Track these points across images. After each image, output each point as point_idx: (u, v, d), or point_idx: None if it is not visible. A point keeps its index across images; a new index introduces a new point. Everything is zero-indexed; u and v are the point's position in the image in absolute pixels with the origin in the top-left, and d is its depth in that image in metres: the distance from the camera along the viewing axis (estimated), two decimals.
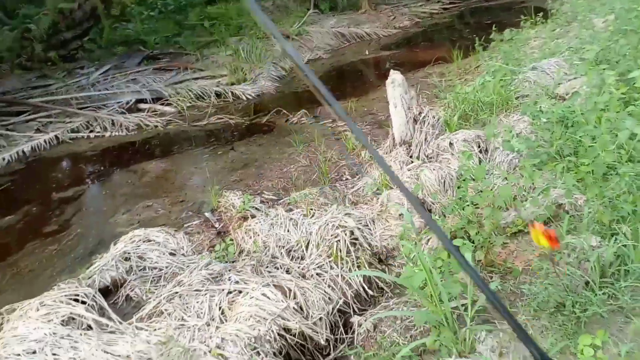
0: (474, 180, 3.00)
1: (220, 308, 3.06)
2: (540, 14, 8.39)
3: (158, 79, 9.86)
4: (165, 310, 3.04)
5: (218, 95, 9.28)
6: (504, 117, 4.85)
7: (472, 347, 2.20)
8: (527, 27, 7.24)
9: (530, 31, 8.30)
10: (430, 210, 4.06)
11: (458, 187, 3.44)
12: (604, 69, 3.86)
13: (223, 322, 2.98)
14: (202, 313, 3.06)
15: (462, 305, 2.54)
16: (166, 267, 3.64)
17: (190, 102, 8.93)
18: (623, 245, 2.44)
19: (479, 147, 4.49)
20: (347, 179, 5.45)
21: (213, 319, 3.01)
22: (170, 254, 3.92)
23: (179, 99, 8.86)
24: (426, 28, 13.82)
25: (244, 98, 9.14)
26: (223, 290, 3.20)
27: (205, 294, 3.18)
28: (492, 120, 4.33)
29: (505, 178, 3.53)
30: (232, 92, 9.28)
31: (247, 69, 10.32)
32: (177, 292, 3.20)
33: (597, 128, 3.29)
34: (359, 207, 4.39)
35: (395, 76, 4.92)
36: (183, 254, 4.02)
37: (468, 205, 3.10)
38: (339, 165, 5.85)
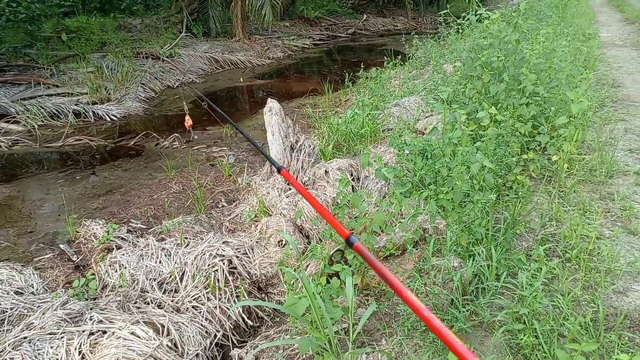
0: (349, 206, 3.13)
1: (80, 352, 2.70)
2: (399, 57, 9.29)
3: (2, 94, 8.67)
4: (12, 359, 2.59)
5: (77, 114, 8.48)
6: (372, 148, 5.20)
7: None
8: (389, 67, 7.95)
9: (391, 72, 9.14)
10: (308, 237, 4.14)
11: (335, 214, 3.56)
12: (455, 109, 4.38)
13: None
14: None
15: (343, 329, 2.60)
16: (11, 309, 3.12)
17: (42, 121, 8.02)
18: (480, 266, 2.74)
19: (352, 175, 4.74)
20: (223, 205, 5.31)
21: None
22: (16, 292, 3.39)
23: (28, 117, 7.88)
24: (298, 61, 14.39)
25: (108, 119, 8.49)
26: (84, 331, 2.84)
27: (62, 337, 2.79)
28: (365, 150, 4.60)
29: (376, 205, 3.76)
30: (93, 112, 8.56)
31: (112, 88, 9.64)
32: (25, 337, 2.75)
33: (452, 160, 3.70)
34: (236, 234, 4.29)
35: (272, 104, 4.99)
36: (32, 293, 3.50)
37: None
38: (214, 192, 5.69)
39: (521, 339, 2.25)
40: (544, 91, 4.44)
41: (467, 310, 2.53)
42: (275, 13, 14.04)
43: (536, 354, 2.23)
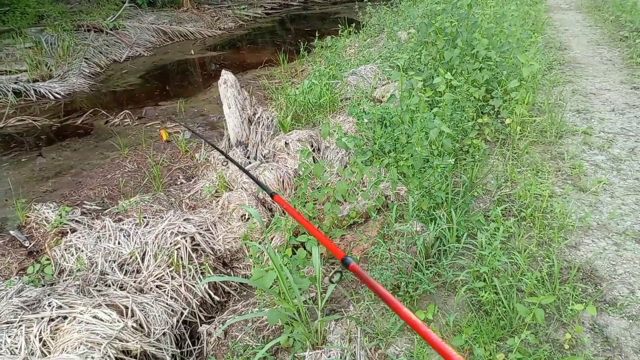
0: (311, 177, 3.12)
1: (41, 339, 2.61)
2: (353, 25, 9.20)
3: None
4: None
5: (17, 93, 7.96)
6: (331, 118, 5.17)
7: (324, 337, 2.29)
8: (344, 36, 7.85)
9: (346, 40, 9.05)
10: (271, 210, 4.11)
11: (297, 186, 3.54)
12: (412, 76, 4.40)
13: (47, 355, 2.54)
14: (17, 349, 2.56)
15: (311, 298, 2.62)
16: None
17: None
18: (441, 229, 2.81)
19: (312, 146, 4.71)
20: (182, 182, 5.18)
21: (33, 354, 2.55)
22: None
23: None
24: (250, 31, 14.00)
25: (52, 97, 8.02)
26: (43, 318, 2.74)
27: (20, 326, 2.68)
28: (325, 120, 4.57)
29: (338, 174, 3.77)
30: (35, 90, 8.06)
31: (53, 64, 9.09)
32: None
33: (410, 127, 3.74)
34: (198, 211, 4.20)
35: (227, 76, 4.85)
36: None
37: (308, 201, 3.22)
38: (172, 169, 5.53)
39: (482, 296, 2.34)
40: (496, 55, 4.53)
41: (430, 272, 2.60)
42: None
43: (497, 310, 2.33)
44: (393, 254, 2.70)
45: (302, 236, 2.76)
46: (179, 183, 5.20)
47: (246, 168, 4.43)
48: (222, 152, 2.50)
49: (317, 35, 7.79)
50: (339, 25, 8.98)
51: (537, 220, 2.96)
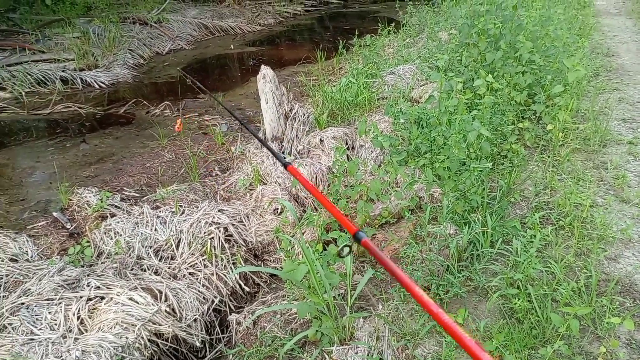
0: (345, 175, 3.13)
1: (79, 317, 2.72)
2: (393, 24, 9.13)
3: None
4: (10, 324, 2.60)
5: (64, 81, 8.27)
6: (368, 117, 5.16)
7: (352, 334, 2.30)
8: (382, 35, 7.81)
9: (385, 39, 9.00)
10: (303, 205, 4.15)
11: (330, 182, 3.56)
12: (452, 77, 4.34)
13: (83, 333, 2.65)
14: (56, 325, 2.69)
15: (340, 294, 2.64)
16: (6, 276, 3.12)
17: (29, 88, 7.82)
18: (475, 233, 2.78)
19: (347, 144, 4.72)
20: (217, 174, 5.29)
21: (71, 330, 2.67)
22: (11, 259, 3.38)
23: (14, 84, 7.68)
24: (289, 28, 14.10)
25: (96, 86, 8.30)
26: (82, 297, 2.85)
27: (60, 303, 2.80)
28: (362, 118, 4.56)
29: (372, 173, 3.76)
30: (81, 79, 8.36)
31: (99, 54, 9.40)
32: (23, 303, 2.76)
33: (448, 129, 3.69)
34: (231, 203, 4.28)
35: (266, 71, 4.91)
36: (27, 260, 3.49)
37: (341, 199, 3.23)
38: (208, 161, 5.65)
39: (515, 304, 2.30)
40: (540, 59, 4.42)
41: (462, 276, 2.57)
42: None
43: (529, 318, 2.29)
44: (425, 255, 2.69)
45: (334, 232, 2.78)
46: (214, 175, 5.31)
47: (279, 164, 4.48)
48: (242, 124, 2.54)
49: (356, 33, 7.76)
50: (379, 24, 8.93)
51: (576, 229, 2.88)
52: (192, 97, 7.98)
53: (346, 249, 1.23)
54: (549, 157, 3.82)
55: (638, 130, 4.27)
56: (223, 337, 3.01)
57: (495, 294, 2.37)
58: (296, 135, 4.82)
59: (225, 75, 9.65)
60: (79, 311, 2.76)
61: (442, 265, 2.64)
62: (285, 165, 1.65)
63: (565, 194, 3.21)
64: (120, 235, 3.74)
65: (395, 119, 4.26)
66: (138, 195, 4.80)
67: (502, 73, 4.48)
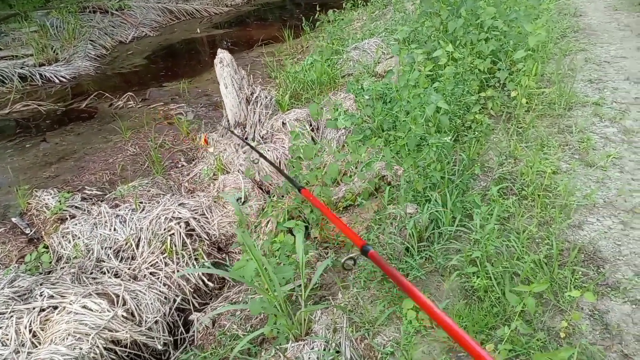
0: (302, 160, 3.02)
1: (31, 330, 2.61)
2: None
3: None
4: None
5: (23, 78, 7.97)
6: (332, 95, 5.02)
7: (309, 327, 2.22)
8: (348, 8, 7.57)
9: (354, 13, 8.77)
10: (268, 192, 4.04)
11: (291, 168, 3.44)
12: (414, 49, 4.20)
13: (36, 347, 2.55)
14: (7, 340, 2.57)
15: (299, 286, 2.55)
16: None
17: None
18: (435, 211, 2.69)
19: (311, 125, 4.59)
20: (182, 165, 5.14)
21: (23, 345, 2.56)
22: None
23: None
24: (259, 7, 13.71)
25: (57, 81, 8.01)
26: (34, 308, 2.74)
27: (11, 317, 2.69)
28: (317, 99, 4.42)
29: (333, 155, 3.65)
30: (41, 75, 8.06)
31: (59, 47, 9.05)
32: None
33: (409, 103, 3.58)
34: (195, 194, 4.16)
35: (222, 55, 4.72)
36: None
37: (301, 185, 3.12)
38: (172, 151, 5.48)
39: (474, 282, 2.23)
40: (503, 25, 4.29)
41: (421, 257, 2.50)
42: None
43: (489, 296, 2.23)
44: (384, 238, 2.60)
45: (290, 222, 2.68)
46: (180, 166, 5.16)
47: (243, 149, 4.35)
48: (248, 144, 2.41)
49: (317, 9, 7.48)
50: None
51: (538, 199, 2.82)
52: (158, 85, 7.75)
53: (350, 262, 1.30)
54: (513, 125, 3.73)
55: (604, 91, 4.19)
56: (187, 337, 2.92)
57: (454, 274, 2.30)
58: (259, 120, 4.67)
59: (193, 61, 9.35)
60: (30, 324, 2.65)
61: (402, 248, 2.56)
62: (299, 189, 1.83)
63: (528, 162, 3.13)
64: (79, 237, 3.61)
65: (357, 97, 4.13)
66: (100, 193, 4.65)
67: (465, 41, 4.35)
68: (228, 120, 4.82)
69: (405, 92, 3.64)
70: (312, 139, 4.41)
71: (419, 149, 3.20)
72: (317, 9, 7.18)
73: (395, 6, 7.37)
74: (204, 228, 3.57)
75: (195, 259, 3.31)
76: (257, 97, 4.79)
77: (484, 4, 4.27)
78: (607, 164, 3.17)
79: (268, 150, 4.14)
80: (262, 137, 4.55)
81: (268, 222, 3.52)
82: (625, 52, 5.02)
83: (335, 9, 7.11)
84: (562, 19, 6.14)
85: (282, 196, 3.68)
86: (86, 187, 4.77)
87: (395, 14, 7.14)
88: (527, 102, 3.91)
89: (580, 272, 2.34)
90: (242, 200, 3.79)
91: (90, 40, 9.51)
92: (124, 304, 2.86)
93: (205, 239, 3.50)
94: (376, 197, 3.23)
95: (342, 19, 7.30)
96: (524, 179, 3.06)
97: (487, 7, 4.24)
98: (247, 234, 2.17)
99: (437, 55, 3.80)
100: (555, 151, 3.38)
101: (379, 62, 5.34)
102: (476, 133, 3.58)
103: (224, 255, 3.51)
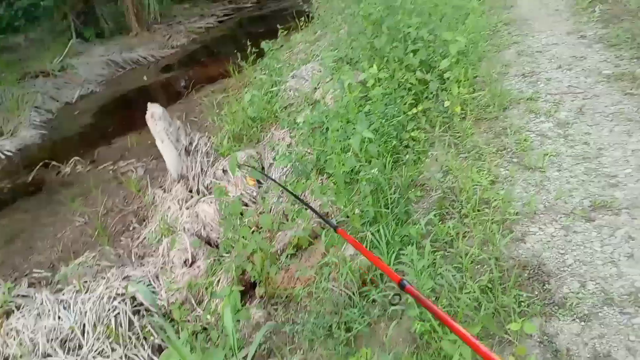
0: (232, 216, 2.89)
1: None
2: (305, 18, 8.86)
3: None
4: None
5: None
6: (275, 130, 4.91)
7: None
8: (283, 35, 7.47)
9: (298, 36, 8.69)
10: (217, 245, 3.88)
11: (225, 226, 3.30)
12: (342, 74, 4.12)
13: None
14: None
15: (244, 357, 2.40)
16: None
17: None
18: (374, 248, 2.58)
19: (259, 165, 4.47)
20: (134, 227, 4.96)
21: None
22: None
23: None
24: (205, 44, 13.63)
25: (2, 156, 7.77)
26: None
27: None
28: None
29: (268, 204, 3.52)
30: None
31: (2, 120, 8.81)
32: None
33: (339, 132, 3.47)
34: (145, 261, 3.99)
35: (153, 109, 4.60)
36: None
37: (238, 243, 2.99)
38: (124, 213, 5.31)
39: (415, 327, 2.11)
40: (428, 34, 4.25)
41: (366, 304, 2.37)
42: None
43: (434, 339, 2.11)
44: (325, 289, 2.47)
45: (225, 289, 2.53)
46: (131, 229, 4.98)
47: (186, 205, 4.20)
48: (281, 185, 2.26)
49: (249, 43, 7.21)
50: (296, 20, 8.65)
51: (472, 215, 2.72)
52: (106, 144, 7.57)
53: (396, 298, 1.48)
54: (448, 136, 3.66)
55: (538, 84, 4.16)
56: None
57: (393, 323, 2.18)
58: (201, 169, 4.54)
59: (141, 111, 9.17)
60: None
61: (345, 297, 2.44)
62: (335, 228, 1.81)
63: (463, 177, 3.04)
64: (23, 332, 3.40)
65: (291, 132, 4.02)
66: (50, 273, 4.45)
67: (392, 57, 4.29)
68: (171, 175, 4.67)
69: (335, 121, 3.55)
70: (258, 181, 4.26)
71: (352, 182, 3.09)
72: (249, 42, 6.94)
73: (330, 27, 7.34)
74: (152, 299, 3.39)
75: (145, 338, 3.13)
76: (196, 146, 4.66)
77: (405, 16, 4.22)
78: (544, 164, 3.10)
79: (210, 202, 4.00)
80: (207, 188, 4.41)
81: (219, 281, 3.38)
82: (555, 39, 5.03)
83: (267, 40, 7.00)
84: (493, 14, 6.17)
85: (228, 252, 3.53)
86: (35, 269, 4.57)
87: (332, 36, 7.09)
88: (461, 110, 3.84)
89: (524, 295, 2.24)
90: (190, 261, 3.64)
91: (35, 107, 9.31)
92: None
93: (155, 311, 3.33)
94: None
95: (280, 47, 7.21)
96: (463, 196, 2.97)
97: (407, 19, 4.20)
98: (169, 326, 2.02)
99: (362, 78, 3.73)
100: (493, 158, 3.30)
101: (316, 89, 5.26)
102: (414, 152, 3.49)
103: (176, 325, 3.33)
